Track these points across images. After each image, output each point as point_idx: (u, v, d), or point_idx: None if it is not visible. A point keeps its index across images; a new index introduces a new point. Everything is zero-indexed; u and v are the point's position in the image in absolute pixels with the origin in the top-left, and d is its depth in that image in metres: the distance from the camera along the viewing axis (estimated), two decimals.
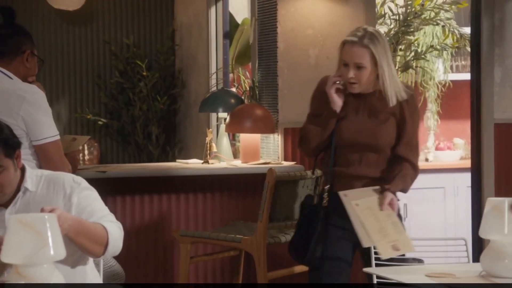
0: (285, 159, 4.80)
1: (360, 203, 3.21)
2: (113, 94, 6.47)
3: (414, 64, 5.45)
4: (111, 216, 3.03)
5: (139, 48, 6.53)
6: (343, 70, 3.22)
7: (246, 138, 4.69)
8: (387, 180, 3.29)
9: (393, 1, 5.32)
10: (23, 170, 3.00)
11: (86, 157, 6.32)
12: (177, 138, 6.45)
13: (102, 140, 6.55)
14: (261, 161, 4.64)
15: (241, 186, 4.61)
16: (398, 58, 5.35)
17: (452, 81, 6.09)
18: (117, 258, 3.62)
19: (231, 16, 6.12)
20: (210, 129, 5.17)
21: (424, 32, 5.82)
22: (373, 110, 3.28)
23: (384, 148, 3.29)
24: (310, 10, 4.78)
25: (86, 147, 6.32)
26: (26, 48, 3.76)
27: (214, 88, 5.80)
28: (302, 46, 4.82)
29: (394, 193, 3.22)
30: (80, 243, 2.81)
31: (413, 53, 5.45)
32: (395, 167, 3.30)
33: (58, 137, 3.67)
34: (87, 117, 6.40)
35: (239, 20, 6.11)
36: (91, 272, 3.05)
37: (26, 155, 3.30)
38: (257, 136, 4.68)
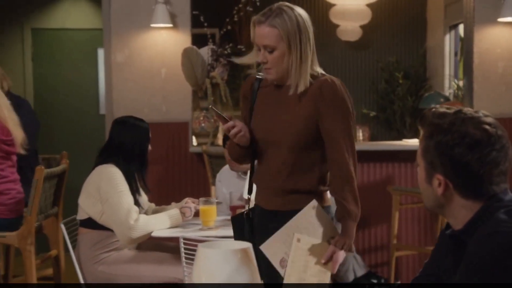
0: None
1: (302, 240, 2.41)
2: (381, 95, 7.15)
3: None
4: None
5: (400, 64, 7.16)
6: (258, 55, 2.51)
7: None
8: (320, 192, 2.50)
9: None
10: None
11: (361, 138, 6.84)
12: None
13: (374, 127, 7.18)
14: None
15: None
16: None
17: None
18: None
19: (461, 38, 6.64)
20: None
21: None
22: (288, 103, 2.51)
23: (303, 148, 2.49)
24: (499, 36, 5.20)
25: (361, 131, 6.82)
26: None
27: (450, 91, 6.57)
28: (492, 61, 5.24)
29: (340, 247, 2.38)
30: None
31: None
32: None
33: None
34: (363, 111, 7.07)
35: None
36: None
37: None
38: None
